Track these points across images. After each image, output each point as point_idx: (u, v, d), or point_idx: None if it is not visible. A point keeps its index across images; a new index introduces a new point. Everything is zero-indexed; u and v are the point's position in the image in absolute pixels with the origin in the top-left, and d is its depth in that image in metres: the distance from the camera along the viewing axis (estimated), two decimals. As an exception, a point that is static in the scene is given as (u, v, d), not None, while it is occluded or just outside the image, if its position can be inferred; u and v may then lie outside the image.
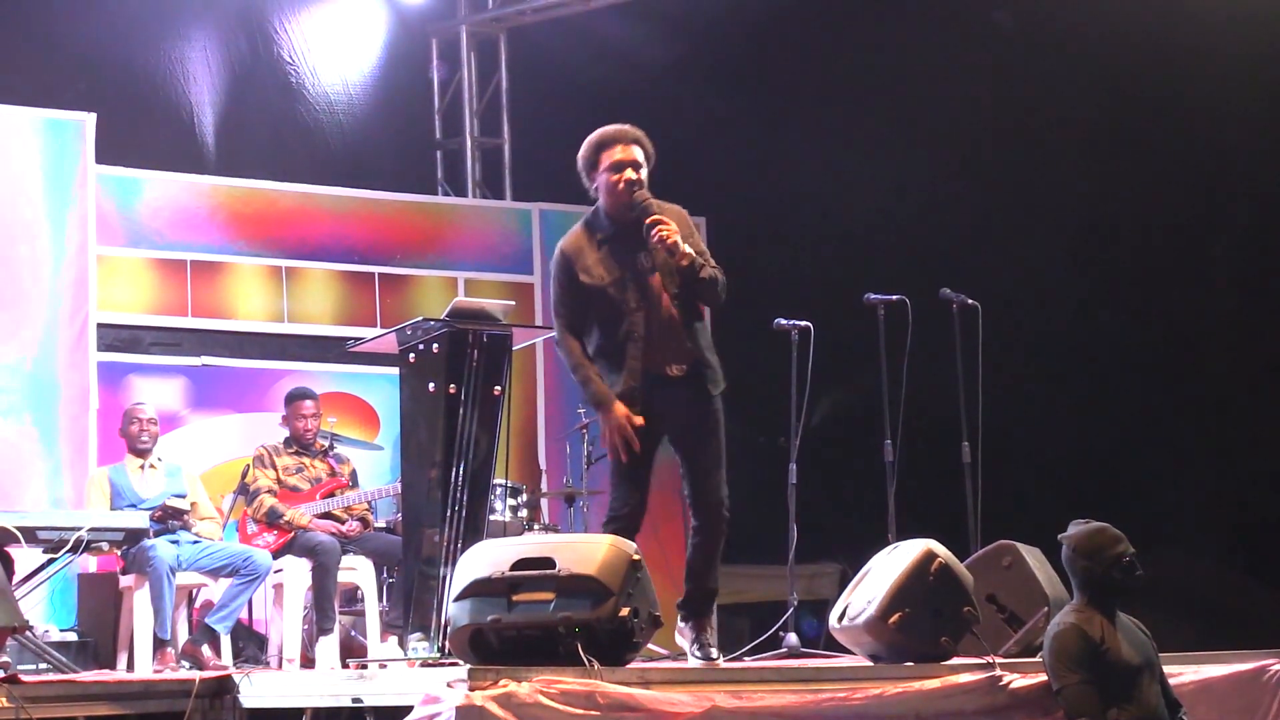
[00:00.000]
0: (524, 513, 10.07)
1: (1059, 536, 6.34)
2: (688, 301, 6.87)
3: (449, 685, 5.55)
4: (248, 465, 9.34)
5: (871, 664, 6.50)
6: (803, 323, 8.29)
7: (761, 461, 10.76)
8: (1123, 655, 6.13)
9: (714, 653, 6.86)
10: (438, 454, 7.28)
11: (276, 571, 8.94)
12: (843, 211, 11.73)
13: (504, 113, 12.90)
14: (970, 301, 8.56)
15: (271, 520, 9.10)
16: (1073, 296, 11.67)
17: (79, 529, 8.05)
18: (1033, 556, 7.08)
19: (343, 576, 9.05)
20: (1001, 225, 11.55)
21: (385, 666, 7.40)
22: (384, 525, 9.58)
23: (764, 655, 7.70)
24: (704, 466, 6.89)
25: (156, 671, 8.23)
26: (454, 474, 7.26)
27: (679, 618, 6.93)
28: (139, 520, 8.43)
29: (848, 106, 11.84)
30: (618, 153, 6.80)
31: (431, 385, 7.32)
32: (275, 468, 9.26)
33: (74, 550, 8.03)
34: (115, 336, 10.61)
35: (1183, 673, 6.67)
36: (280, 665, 8.83)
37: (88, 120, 10.26)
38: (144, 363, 10.74)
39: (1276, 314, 11.11)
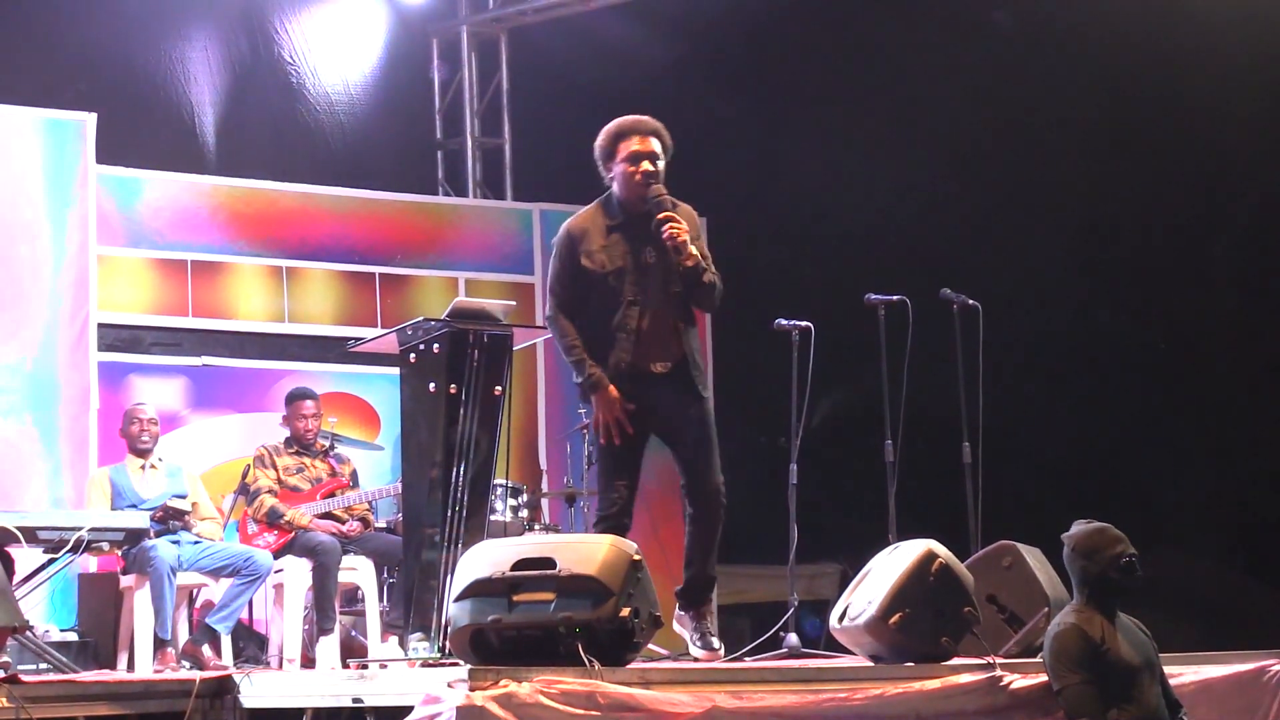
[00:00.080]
0: (524, 513, 10.07)
1: (1062, 536, 6.34)
2: (683, 303, 6.87)
3: (449, 685, 5.55)
4: (248, 465, 9.35)
5: (872, 664, 6.50)
6: (803, 323, 8.28)
7: (762, 462, 10.77)
8: (1123, 655, 6.13)
9: (715, 642, 6.88)
10: (438, 454, 7.28)
11: (277, 572, 8.95)
12: (843, 211, 11.73)
13: (504, 113, 12.90)
14: (971, 302, 8.56)
15: (272, 520, 9.10)
16: (1073, 296, 11.67)
17: (79, 529, 8.06)
18: (1033, 557, 7.07)
19: (343, 576, 9.05)
20: (1001, 225, 11.55)
21: (386, 666, 7.40)
22: (384, 525, 9.58)
23: (764, 655, 7.69)
24: (696, 453, 6.89)
25: (157, 671, 8.23)
26: (454, 474, 7.26)
27: (677, 607, 6.94)
28: (139, 520, 8.44)
29: (848, 106, 11.84)
30: (635, 144, 6.80)
31: (432, 385, 7.32)
32: (276, 468, 9.27)
33: (74, 550, 8.04)
34: (116, 336, 10.61)
35: (1183, 673, 6.67)
36: (281, 665, 8.83)
37: (88, 120, 10.26)
38: (144, 363, 10.74)
39: (1276, 314, 11.11)
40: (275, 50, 11.99)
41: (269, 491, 9.17)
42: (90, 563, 9.45)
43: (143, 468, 9.08)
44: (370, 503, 9.41)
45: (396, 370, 7.66)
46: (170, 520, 8.79)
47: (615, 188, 6.84)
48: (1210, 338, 11.39)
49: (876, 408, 8.47)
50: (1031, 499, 10.63)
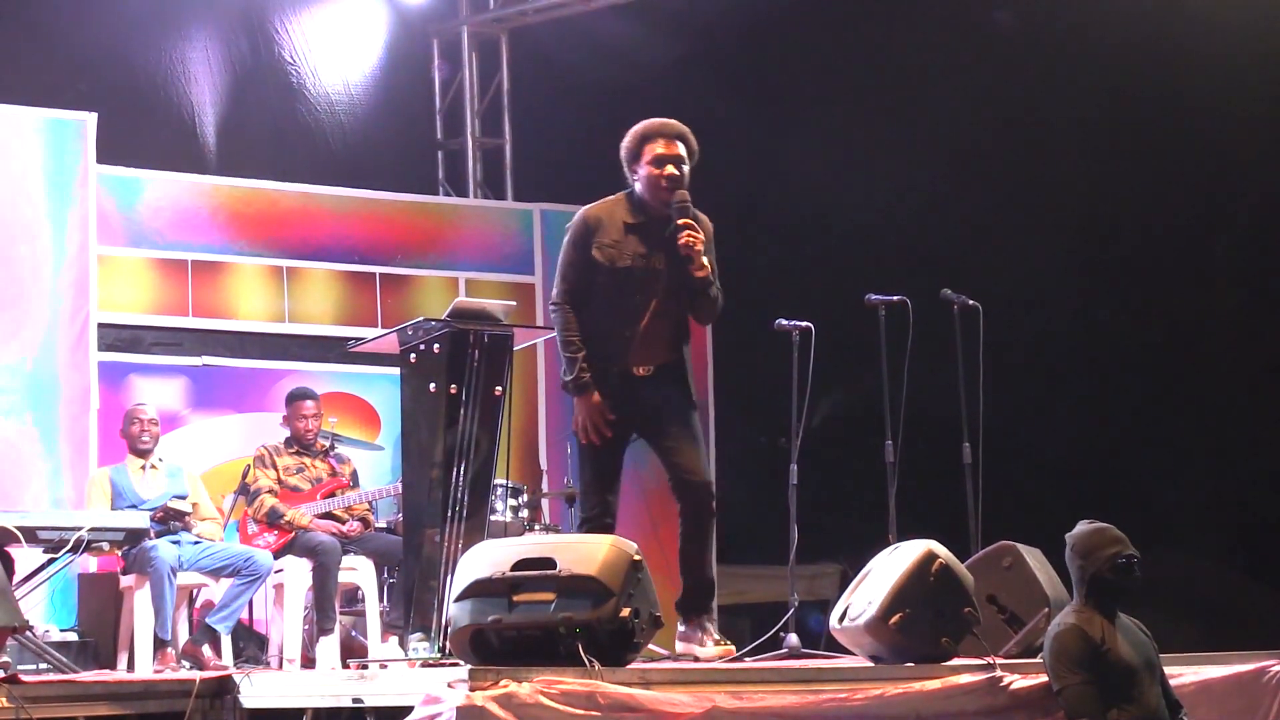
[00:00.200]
0: (525, 513, 10.08)
1: (1066, 536, 6.34)
2: (683, 313, 6.87)
3: (449, 685, 5.55)
4: (248, 465, 9.35)
5: (872, 665, 6.50)
6: (804, 323, 8.28)
7: (762, 462, 10.78)
8: (1123, 656, 6.13)
9: (721, 639, 6.83)
10: (438, 454, 7.28)
11: (277, 572, 8.95)
12: (843, 211, 11.73)
13: (505, 113, 12.90)
14: (971, 302, 8.56)
15: (272, 520, 9.10)
16: (1073, 296, 11.67)
17: (79, 529, 8.05)
18: (1033, 557, 7.07)
19: (343, 577, 9.06)
20: (1001, 225, 11.55)
21: (386, 667, 7.40)
22: (385, 525, 9.58)
23: (765, 656, 7.69)
24: (681, 447, 6.83)
25: (157, 672, 8.24)
26: (455, 474, 7.26)
27: (679, 621, 6.88)
28: (139, 520, 8.44)
29: (848, 106, 11.84)
30: (660, 146, 6.80)
31: (432, 385, 7.33)
32: (276, 468, 9.27)
33: (74, 550, 8.03)
34: (116, 336, 10.61)
35: (1183, 673, 6.67)
36: (281, 665, 8.83)
37: (89, 120, 10.26)
38: (145, 363, 10.74)
39: (1276, 314, 11.11)
40: (276, 50, 11.99)
41: (269, 491, 9.17)
42: (90, 563, 9.45)
43: (143, 468, 9.08)
44: (370, 503, 9.41)
45: (397, 370, 7.66)
46: (170, 521, 8.79)
47: (639, 189, 6.84)
48: (1210, 338, 11.38)
49: (877, 408, 8.47)
50: (1031, 499, 10.62)
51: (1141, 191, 11.36)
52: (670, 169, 6.78)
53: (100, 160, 10.32)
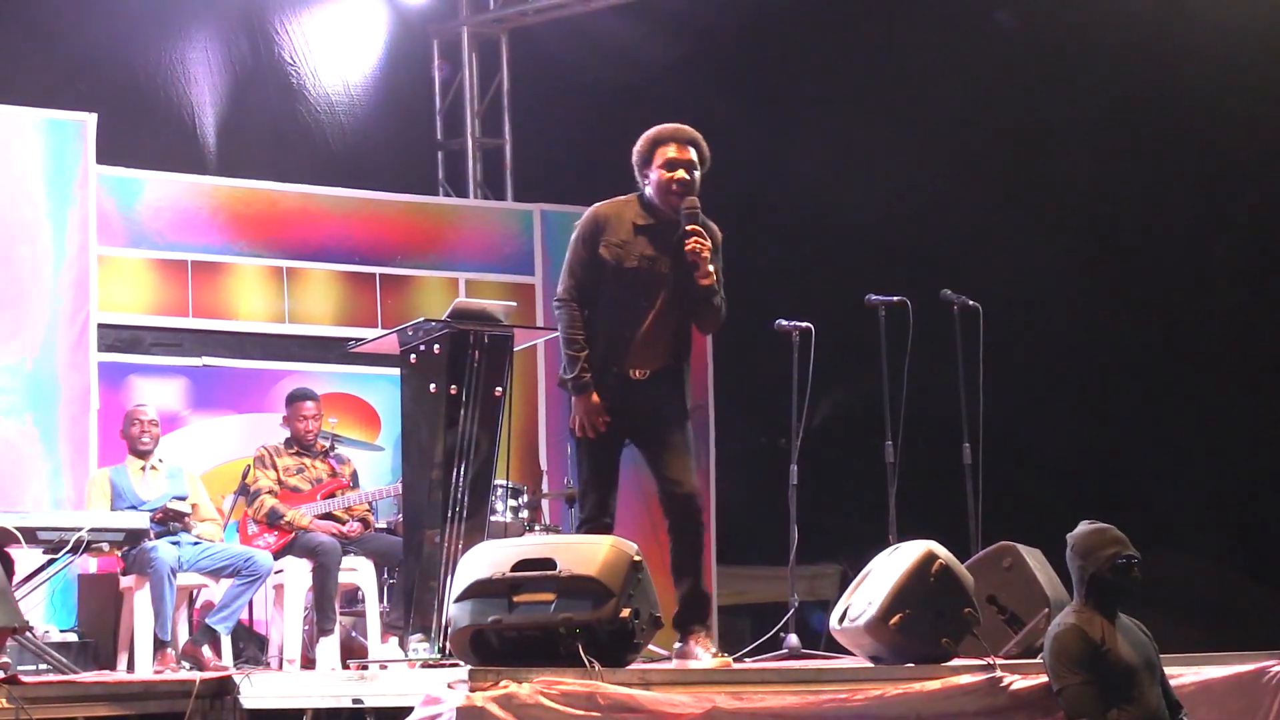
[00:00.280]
0: (525, 514, 10.08)
1: (1066, 536, 6.34)
2: (685, 320, 6.86)
3: (449, 686, 5.55)
4: (248, 466, 9.35)
5: (872, 665, 6.50)
6: (804, 324, 8.29)
7: (762, 463, 10.78)
8: (1123, 656, 6.13)
9: (719, 651, 6.82)
10: (439, 455, 7.28)
11: (277, 572, 8.95)
12: (843, 212, 11.73)
13: (505, 113, 12.89)
14: (971, 303, 8.57)
15: (272, 521, 9.10)
16: (1073, 296, 11.66)
17: (79, 530, 8.05)
18: (1033, 558, 7.08)
19: (343, 577, 9.05)
20: (1001, 225, 11.55)
21: (386, 667, 7.40)
22: (385, 526, 9.59)
23: (765, 656, 7.70)
24: (669, 458, 6.80)
25: (157, 672, 8.24)
26: (455, 475, 7.27)
27: (677, 638, 6.82)
28: (139, 521, 8.43)
29: (848, 106, 11.84)
30: (672, 150, 6.80)
31: (433, 386, 7.33)
32: (276, 468, 9.27)
33: (74, 551, 8.03)
34: (116, 337, 10.60)
35: (1183, 674, 6.67)
36: (281, 666, 8.83)
37: (88, 120, 10.26)
38: (145, 363, 10.74)
39: (1277, 314, 11.10)
40: (276, 51, 11.99)
41: (269, 492, 9.17)
42: (90, 563, 9.45)
43: (143, 469, 9.08)
44: (370, 503, 9.41)
45: (397, 371, 7.67)
46: (170, 522, 8.79)
47: (649, 193, 6.84)
48: (1210, 338, 11.38)
49: (877, 408, 8.48)
50: (1031, 499, 10.63)
51: (1141, 191, 11.35)
52: (681, 173, 6.78)
53: (100, 160, 10.31)
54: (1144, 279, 11.50)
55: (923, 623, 6.35)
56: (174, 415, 10.57)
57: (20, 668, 7.58)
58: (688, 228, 6.73)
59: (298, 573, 8.96)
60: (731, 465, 11.83)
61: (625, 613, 5.85)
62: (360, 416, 11.12)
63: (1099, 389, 11.63)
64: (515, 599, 5.90)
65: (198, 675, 6.79)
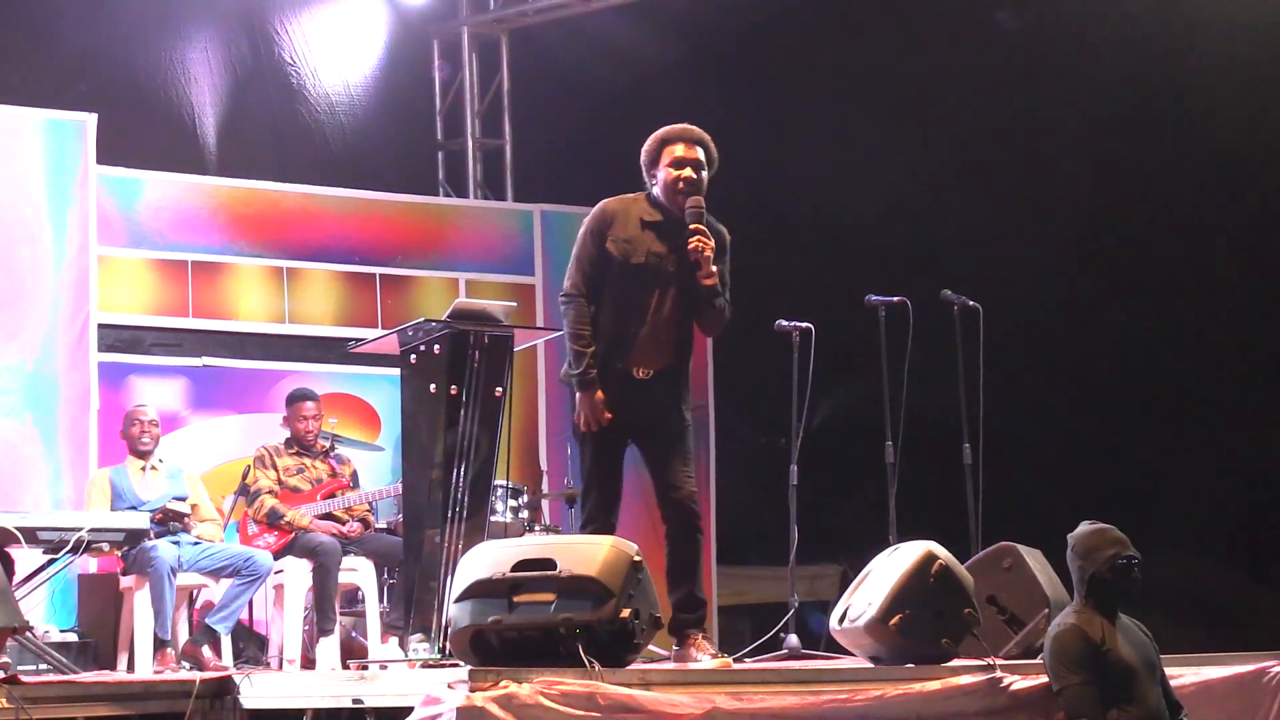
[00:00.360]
0: (525, 514, 10.08)
1: (1066, 536, 6.34)
2: (688, 321, 6.86)
3: (449, 686, 5.55)
4: (248, 466, 9.35)
5: (872, 665, 6.50)
6: (804, 324, 8.29)
7: (762, 463, 10.77)
8: (1123, 656, 6.13)
9: (718, 652, 6.81)
10: (439, 455, 7.28)
11: (277, 572, 8.95)
12: (843, 212, 11.73)
13: (505, 113, 12.89)
14: (971, 303, 8.57)
15: (272, 521, 9.10)
16: (1073, 296, 11.66)
17: (79, 530, 8.05)
18: (1033, 558, 7.08)
19: (343, 577, 9.06)
20: (1001, 225, 11.54)
21: (386, 667, 7.39)
22: (385, 526, 9.59)
23: (765, 657, 7.70)
24: (668, 462, 6.81)
25: (157, 672, 8.24)
26: (455, 475, 7.26)
27: (673, 644, 6.82)
28: (139, 521, 8.43)
29: (848, 107, 11.83)
30: (680, 150, 6.83)
31: (433, 386, 7.33)
32: (276, 468, 9.27)
33: (74, 551, 8.03)
34: (116, 337, 10.61)
35: (1183, 674, 6.67)
36: (281, 666, 8.83)
37: (89, 121, 10.26)
38: (145, 363, 10.74)
39: (1277, 314, 11.10)
40: (276, 51, 11.99)
41: (269, 492, 9.17)
42: (90, 563, 9.45)
43: (143, 469, 9.08)
44: (370, 503, 9.41)
45: (397, 371, 7.67)
46: (170, 522, 8.79)
47: (656, 192, 6.85)
48: (1210, 338, 11.38)
49: (877, 409, 8.48)
50: (1032, 500, 10.63)
51: (1141, 191, 11.35)
52: (688, 171, 6.80)
53: (100, 161, 10.31)
54: (1144, 279, 11.49)
55: (923, 623, 6.35)
56: (174, 415, 10.58)
57: (20, 668, 7.58)
58: (691, 226, 6.73)
59: (298, 573, 8.96)
60: (731, 465, 11.83)
61: (625, 613, 5.86)
62: (360, 417, 11.12)
63: (1099, 389, 11.63)
64: (515, 599, 5.91)
65: (198, 675, 6.79)
